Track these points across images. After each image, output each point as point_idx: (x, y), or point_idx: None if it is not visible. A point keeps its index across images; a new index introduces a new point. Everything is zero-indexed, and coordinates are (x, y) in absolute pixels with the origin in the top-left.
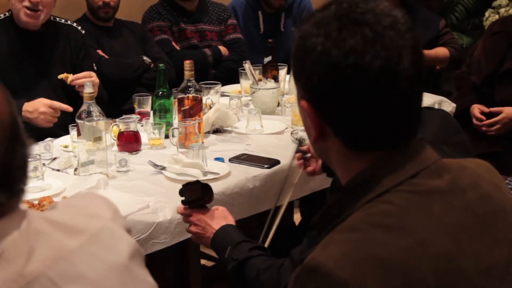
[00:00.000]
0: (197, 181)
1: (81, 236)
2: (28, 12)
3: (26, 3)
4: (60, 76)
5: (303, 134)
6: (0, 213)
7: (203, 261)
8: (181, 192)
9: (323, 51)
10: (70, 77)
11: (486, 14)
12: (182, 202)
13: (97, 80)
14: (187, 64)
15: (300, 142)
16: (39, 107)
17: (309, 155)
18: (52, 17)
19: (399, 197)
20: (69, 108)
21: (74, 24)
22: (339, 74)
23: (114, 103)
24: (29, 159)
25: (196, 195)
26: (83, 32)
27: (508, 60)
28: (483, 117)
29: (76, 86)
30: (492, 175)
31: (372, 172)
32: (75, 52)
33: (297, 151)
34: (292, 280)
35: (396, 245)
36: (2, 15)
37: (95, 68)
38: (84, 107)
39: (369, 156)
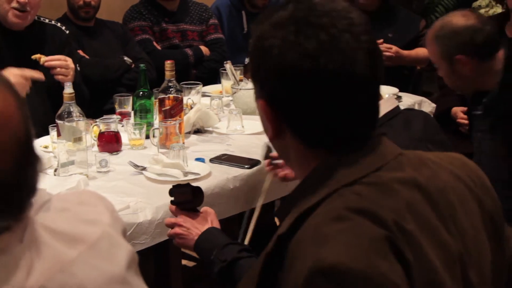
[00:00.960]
0: (188, 184)
1: (80, 246)
2: (17, 13)
3: (15, 4)
4: (34, 57)
5: None
6: (6, 228)
7: (184, 261)
8: (171, 192)
9: (279, 54)
10: (43, 58)
11: None
12: (171, 202)
13: (72, 65)
14: (168, 64)
15: (268, 148)
16: (9, 78)
17: (279, 161)
18: (36, 17)
19: (366, 188)
20: (41, 77)
21: (59, 24)
22: (295, 76)
23: (95, 103)
24: (40, 174)
25: (186, 197)
26: (68, 32)
27: None
28: (465, 117)
29: (54, 73)
30: (456, 166)
31: (332, 166)
32: (59, 52)
33: (266, 157)
34: (301, 285)
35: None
36: None
37: (78, 69)
38: (64, 108)
39: (327, 153)
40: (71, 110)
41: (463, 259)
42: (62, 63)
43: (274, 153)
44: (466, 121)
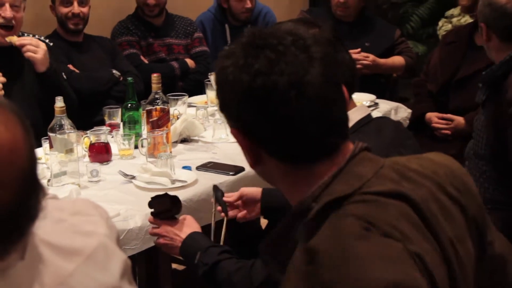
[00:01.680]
0: (166, 194)
1: (77, 258)
2: (3, 32)
3: (0, 20)
4: (8, 39)
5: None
6: (7, 253)
7: (174, 265)
8: (150, 204)
9: (235, 79)
10: (15, 38)
11: (440, 23)
12: (151, 214)
13: (43, 47)
14: (155, 77)
15: (217, 189)
16: None
17: (228, 203)
18: (21, 33)
19: (360, 205)
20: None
21: (42, 38)
22: (253, 96)
23: (86, 116)
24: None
25: (165, 207)
26: (51, 44)
27: (461, 69)
28: (443, 122)
29: (23, 51)
30: (440, 175)
31: (318, 192)
32: None
33: (216, 198)
34: None
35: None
36: None
37: (65, 77)
38: (55, 121)
39: (308, 167)
40: (63, 123)
41: (450, 268)
42: (32, 42)
43: (224, 197)
44: (440, 125)
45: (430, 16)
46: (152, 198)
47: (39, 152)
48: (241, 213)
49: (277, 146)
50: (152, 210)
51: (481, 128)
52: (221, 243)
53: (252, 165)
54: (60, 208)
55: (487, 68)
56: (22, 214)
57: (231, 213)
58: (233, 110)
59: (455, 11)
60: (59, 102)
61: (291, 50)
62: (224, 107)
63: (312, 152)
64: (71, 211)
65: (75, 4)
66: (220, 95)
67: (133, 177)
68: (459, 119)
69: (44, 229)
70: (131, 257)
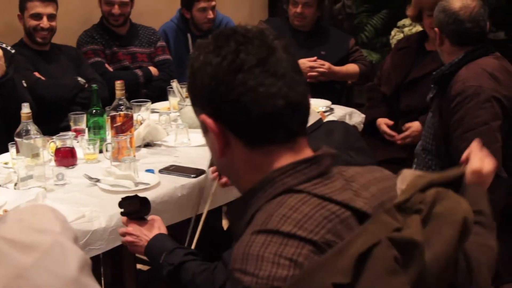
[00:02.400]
0: (136, 195)
1: (34, 253)
2: None
3: None
4: None
5: None
6: None
7: (138, 265)
8: (121, 205)
9: (205, 62)
10: None
11: (392, 33)
12: (121, 213)
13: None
14: (118, 84)
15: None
16: None
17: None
18: None
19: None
20: None
21: (4, 45)
22: (222, 76)
23: (52, 122)
24: None
25: (134, 207)
26: (13, 51)
27: (412, 72)
28: (394, 133)
29: None
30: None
31: (277, 173)
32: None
33: (211, 164)
34: None
35: None
36: None
37: (25, 85)
38: (22, 126)
39: (270, 151)
40: (29, 128)
41: None
42: None
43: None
44: (389, 131)
45: (383, 26)
46: (122, 198)
47: (6, 157)
48: (224, 179)
49: (244, 127)
50: (122, 210)
51: (429, 124)
52: (196, 239)
53: (220, 152)
54: (20, 212)
55: (435, 70)
56: None
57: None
58: (204, 94)
59: (406, 21)
60: (25, 109)
61: (257, 38)
62: (195, 94)
63: (275, 133)
64: (30, 213)
65: (45, 18)
66: (191, 82)
67: (98, 180)
68: (416, 124)
69: (3, 228)
70: (96, 258)
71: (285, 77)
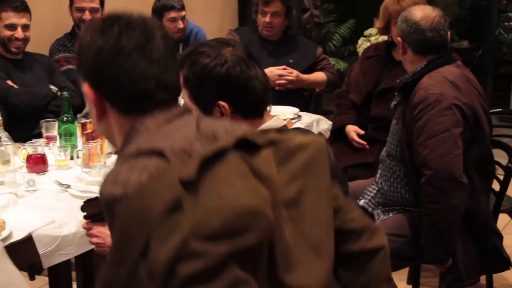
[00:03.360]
0: (97, 198)
1: None
2: None
3: None
4: None
5: None
6: None
7: None
8: (83, 208)
9: (91, 42)
10: None
11: (359, 41)
12: (84, 217)
13: None
14: None
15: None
16: None
17: None
18: None
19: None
20: None
21: None
22: (104, 55)
23: (24, 129)
24: None
25: (97, 210)
26: None
27: (382, 80)
28: (363, 142)
29: None
30: None
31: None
32: None
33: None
34: None
35: None
36: None
37: None
38: None
39: (141, 119)
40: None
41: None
42: None
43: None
44: (357, 139)
45: (350, 35)
46: (84, 202)
47: None
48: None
49: (119, 100)
50: (85, 213)
51: (393, 130)
52: None
53: (98, 118)
54: None
55: None
56: None
57: None
58: (87, 68)
59: (372, 30)
60: None
61: (140, 25)
62: (81, 65)
63: (146, 106)
64: None
65: (19, 29)
66: (78, 56)
67: (68, 186)
68: None
69: None
70: (67, 262)
71: (159, 62)
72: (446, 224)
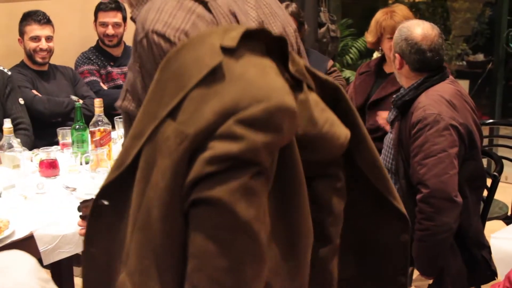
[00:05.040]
0: (92, 199)
1: None
2: None
3: None
4: None
5: None
6: None
7: None
8: (79, 209)
9: None
10: None
11: (374, 55)
12: (80, 217)
13: None
14: (97, 102)
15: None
16: None
17: None
18: None
19: None
20: None
21: (1, 68)
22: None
23: (47, 136)
24: None
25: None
26: (10, 74)
27: (372, 94)
28: None
29: None
30: None
31: None
32: (2, 89)
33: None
34: None
35: None
36: None
37: (21, 102)
38: (5, 140)
39: None
40: (11, 141)
41: None
42: None
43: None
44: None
45: (366, 48)
46: (80, 202)
47: None
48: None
49: None
50: (80, 213)
51: (389, 144)
52: None
53: None
54: None
55: (395, 92)
56: None
57: None
58: None
59: None
60: (7, 124)
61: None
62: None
63: None
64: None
65: (43, 40)
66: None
67: (74, 189)
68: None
69: None
70: (69, 259)
71: None
72: (438, 241)
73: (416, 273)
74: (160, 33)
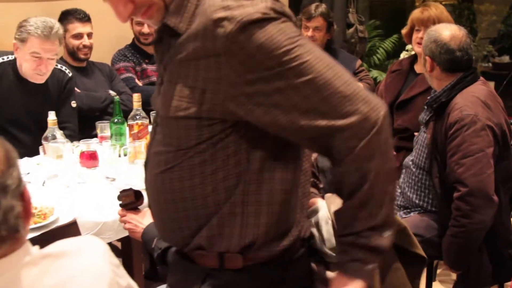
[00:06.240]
0: (131, 188)
1: None
2: (37, 77)
3: (37, 71)
4: None
5: None
6: None
7: None
8: (119, 197)
9: None
10: None
11: (401, 55)
12: (120, 205)
13: None
14: (136, 96)
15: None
16: None
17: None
18: None
19: None
20: None
21: (63, 68)
22: None
23: (86, 129)
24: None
25: (130, 199)
26: (70, 75)
27: (402, 92)
28: None
29: None
30: None
31: None
32: (60, 89)
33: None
34: None
35: None
36: (3, 58)
37: (73, 105)
38: (49, 131)
39: None
40: (55, 133)
41: None
42: None
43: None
44: None
45: (393, 49)
46: (120, 192)
47: (38, 158)
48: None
49: None
50: (120, 202)
51: (423, 144)
52: None
53: None
54: None
55: (423, 92)
56: None
57: None
58: None
59: (409, 46)
60: (51, 116)
61: None
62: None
63: None
64: None
65: (85, 37)
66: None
67: (114, 180)
68: None
69: None
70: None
71: None
72: (472, 238)
73: (440, 269)
74: None
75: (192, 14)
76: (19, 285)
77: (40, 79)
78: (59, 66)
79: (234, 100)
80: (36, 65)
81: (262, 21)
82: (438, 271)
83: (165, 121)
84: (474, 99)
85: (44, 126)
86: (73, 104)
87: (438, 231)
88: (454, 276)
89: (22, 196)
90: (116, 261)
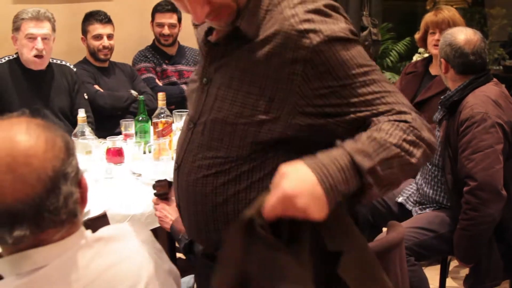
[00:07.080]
0: (166, 179)
1: None
2: (37, 60)
3: (34, 52)
4: None
5: None
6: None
7: (178, 254)
8: (154, 187)
9: None
10: None
11: (414, 58)
12: (154, 194)
13: None
14: (160, 95)
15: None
16: None
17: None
18: (51, 60)
19: None
20: None
21: (68, 64)
22: None
23: (108, 128)
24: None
25: (164, 190)
26: (75, 69)
27: (419, 94)
28: None
29: None
30: None
31: None
32: (71, 85)
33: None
34: None
35: None
36: (8, 57)
37: (86, 97)
38: (78, 128)
39: None
40: (84, 130)
41: None
42: None
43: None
44: None
45: (406, 51)
46: (155, 181)
47: None
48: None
49: None
50: (155, 191)
51: (437, 141)
52: None
53: None
54: None
55: (439, 93)
56: (39, 208)
57: None
58: None
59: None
60: (81, 113)
61: None
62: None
63: None
64: None
65: (105, 38)
66: None
67: (140, 175)
68: None
69: None
70: None
71: None
72: (481, 231)
73: (452, 265)
74: None
75: (262, 21)
76: (75, 266)
77: (40, 63)
78: (63, 62)
79: (302, 111)
80: (32, 46)
81: (345, 40)
82: (450, 268)
83: (218, 125)
84: (485, 98)
85: (65, 118)
86: (85, 95)
87: (452, 227)
88: (463, 273)
89: (80, 184)
90: (159, 246)
